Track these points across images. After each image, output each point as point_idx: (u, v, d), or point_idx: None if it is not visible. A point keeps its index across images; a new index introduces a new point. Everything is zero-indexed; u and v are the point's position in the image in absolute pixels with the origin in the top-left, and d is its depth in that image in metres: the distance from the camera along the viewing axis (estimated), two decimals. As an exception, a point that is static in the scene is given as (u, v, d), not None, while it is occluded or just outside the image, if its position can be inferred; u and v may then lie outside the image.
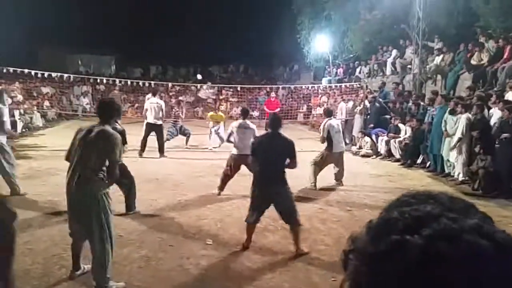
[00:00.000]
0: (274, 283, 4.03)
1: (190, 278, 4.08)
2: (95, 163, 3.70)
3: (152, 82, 17.27)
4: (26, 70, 13.38)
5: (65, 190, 3.85)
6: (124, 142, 5.73)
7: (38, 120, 15.34)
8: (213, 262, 4.45)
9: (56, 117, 17.87)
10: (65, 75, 15.74)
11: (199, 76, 27.96)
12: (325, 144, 7.98)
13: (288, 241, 5.13)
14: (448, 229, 0.52)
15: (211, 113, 12.99)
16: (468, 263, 0.49)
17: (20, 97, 14.65)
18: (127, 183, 5.85)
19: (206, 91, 20.00)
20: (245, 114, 7.41)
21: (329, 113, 8.28)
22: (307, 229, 5.55)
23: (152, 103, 10.48)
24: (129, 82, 16.48)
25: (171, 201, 6.64)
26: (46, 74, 14.15)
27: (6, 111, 6.82)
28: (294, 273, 4.29)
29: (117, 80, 16.39)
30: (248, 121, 7.22)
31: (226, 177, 7.05)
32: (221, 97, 18.65)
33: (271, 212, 6.18)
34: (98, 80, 17.57)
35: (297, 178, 8.36)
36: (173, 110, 12.21)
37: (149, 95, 11.56)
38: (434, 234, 0.51)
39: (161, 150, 10.48)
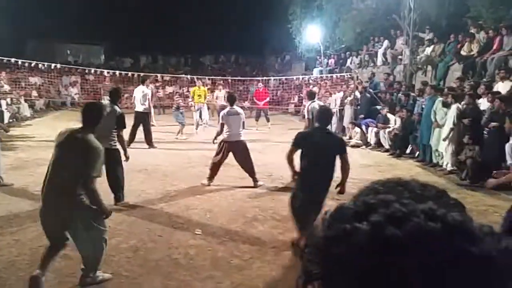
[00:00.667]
0: (262, 272, 4.04)
1: (179, 268, 4.07)
2: (73, 175, 3.36)
3: (142, 73, 17.09)
4: (13, 60, 13.16)
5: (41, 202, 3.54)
6: (123, 126, 5.81)
7: (25, 110, 15.12)
8: (202, 252, 4.44)
9: (45, 108, 17.65)
10: (53, 65, 15.48)
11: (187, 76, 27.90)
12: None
13: (277, 230, 5.15)
14: (396, 214, 0.50)
15: (194, 88, 13.36)
16: (415, 247, 0.48)
17: (7, 87, 14.41)
18: (119, 173, 5.82)
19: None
20: (232, 100, 7.28)
21: (311, 96, 8.44)
22: (297, 219, 5.56)
23: (139, 92, 10.52)
24: (117, 73, 16.28)
25: (160, 191, 6.60)
26: (33, 63, 13.92)
27: None
28: (283, 262, 4.30)
29: (106, 71, 16.18)
30: (236, 107, 7.16)
31: (216, 166, 7.01)
32: (201, 84, 18.51)
33: (260, 201, 6.22)
34: (87, 70, 17.35)
35: (285, 169, 8.39)
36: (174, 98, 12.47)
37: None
38: (381, 220, 0.50)
39: (148, 140, 10.37)
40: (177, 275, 3.93)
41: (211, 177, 7.03)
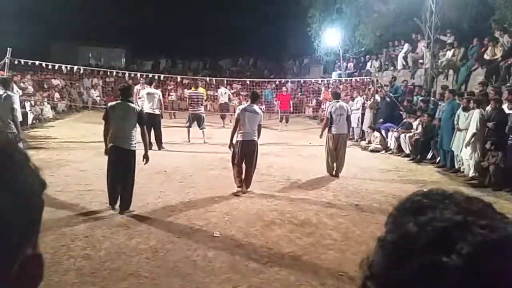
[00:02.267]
0: (280, 276, 4.03)
1: (197, 270, 4.09)
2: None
3: (162, 75, 17.30)
4: (37, 62, 13.48)
5: None
6: (145, 122, 5.73)
7: (48, 112, 15.48)
8: (220, 254, 4.46)
9: (66, 109, 18.02)
10: (75, 67, 15.81)
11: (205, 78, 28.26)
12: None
13: (295, 235, 5.12)
14: (488, 243, 0.44)
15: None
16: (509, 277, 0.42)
17: (31, 89, 14.78)
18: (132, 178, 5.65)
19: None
20: (254, 98, 6.86)
21: (336, 96, 8.43)
22: (314, 224, 5.54)
23: (149, 93, 10.43)
24: (138, 75, 16.50)
25: (179, 193, 6.65)
26: (56, 66, 14.23)
27: (16, 99, 6.88)
28: (301, 266, 4.28)
29: (127, 73, 16.43)
30: (255, 106, 6.79)
31: (238, 172, 6.69)
32: (232, 91, 18.62)
33: (278, 205, 6.21)
34: (108, 73, 17.65)
35: (303, 173, 8.37)
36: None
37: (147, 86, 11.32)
38: (473, 251, 0.43)
39: (158, 142, 10.35)
40: (195, 277, 3.95)
41: (240, 184, 6.69)
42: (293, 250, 4.67)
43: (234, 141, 6.73)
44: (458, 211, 0.49)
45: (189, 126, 11.86)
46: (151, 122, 9.81)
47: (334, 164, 8.15)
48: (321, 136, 8.60)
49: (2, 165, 0.52)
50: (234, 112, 11.83)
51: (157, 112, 10.45)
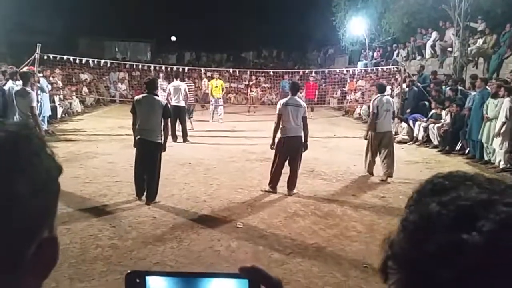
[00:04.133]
0: (303, 267, 4.02)
1: (221, 260, 4.14)
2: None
3: (186, 68, 17.43)
4: (65, 57, 13.80)
5: None
6: (170, 115, 5.85)
7: (77, 106, 15.87)
8: (243, 245, 4.49)
9: (94, 103, 18.43)
10: (102, 61, 16.12)
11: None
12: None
13: (318, 226, 5.10)
14: (509, 219, 0.43)
15: (211, 80, 13.81)
16: None
17: (60, 83, 15.17)
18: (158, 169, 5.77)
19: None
20: (295, 89, 6.39)
21: (381, 89, 7.50)
22: (339, 216, 5.50)
23: (175, 86, 10.59)
24: (163, 68, 16.70)
25: (203, 184, 6.72)
26: (84, 60, 14.55)
27: (34, 95, 6.95)
28: (324, 258, 4.26)
29: (152, 66, 16.64)
30: (297, 98, 6.29)
31: (277, 171, 6.20)
32: (251, 83, 18.59)
33: (301, 197, 6.19)
34: (134, 66, 17.90)
35: (327, 165, 8.29)
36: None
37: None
38: (496, 228, 0.42)
39: (184, 134, 10.48)
40: (219, 266, 3.99)
41: (274, 186, 6.27)
42: (316, 241, 4.65)
43: (276, 139, 6.23)
44: (481, 190, 0.48)
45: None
46: (176, 115, 10.00)
47: (384, 163, 7.20)
48: (366, 137, 7.52)
49: (18, 149, 0.53)
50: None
51: (182, 104, 10.57)
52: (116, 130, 11.59)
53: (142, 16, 26.57)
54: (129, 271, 0.56)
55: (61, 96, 14.82)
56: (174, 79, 11.19)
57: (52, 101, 12.99)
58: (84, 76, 18.45)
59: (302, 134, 6.20)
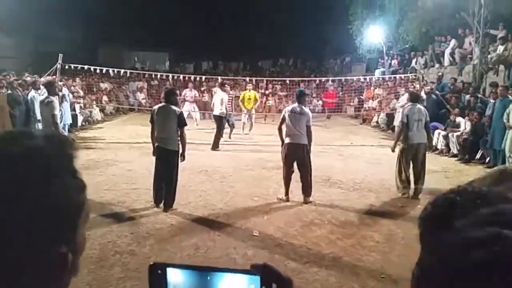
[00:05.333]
0: (319, 277, 4.00)
1: (237, 267, 4.12)
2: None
3: (203, 77, 17.61)
4: (86, 66, 14.14)
5: None
6: (185, 123, 5.90)
7: (97, 114, 16.19)
8: (259, 253, 4.49)
9: (114, 112, 18.76)
10: (122, 71, 16.46)
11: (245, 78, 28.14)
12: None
13: (335, 235, 5.06)
14: None
15: (244, 92, 13.28)
16: None
17: (80, 92, 15.52)
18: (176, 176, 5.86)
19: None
20: (300, 97, 6.46)
21: (414, 98, 7.11)
22: (356, 225, 5.45)
23: (217, 96, 11.21)
24: (181, 77, 16.93)
25: (219, 192, 6.76)
26: (104, 70, 14.87)
27: (57, 104, 7.03)
28: (341, 268, 4.22)
29: (170, 76, 16.89)
30: (302, 106, 6.38)
31: (286, 178, 6.32)
32: (267, 92, 18.66)
33: (318, 205, 6.16)
34: (153, 76, 18.20)
35: (343, 173, 8.24)
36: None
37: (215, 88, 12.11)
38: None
39: (214, 143, 10.66)
40: (235, 275, 3.99)
41: (286, 192, 6.35)
42: (333, 251, 4.62)
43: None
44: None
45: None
46: (217, 123, 10.80)
47: (411, 181, 6.74)
48: (394, 149, 7.09)
49: (35, 167, 0.55)
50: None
51: (222, 114, 10.93)
52: (134, 138, 11.77)
53: (161, 26, 27.04)
54: (152, 263, 0.61)
55: (82, 105, 15.15)
56: (219, 89, 11.69)
57: (72, 109, 13.28)
58: (104, 85, 18.83)
59: (306, 142, 6.25)
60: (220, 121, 10.88)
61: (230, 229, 5.20)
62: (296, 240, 4.91)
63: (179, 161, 5.84)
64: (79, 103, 14.76)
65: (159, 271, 0.61)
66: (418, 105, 7.05)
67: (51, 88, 7.25)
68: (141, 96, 20.46)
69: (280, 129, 6.56)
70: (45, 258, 0.54)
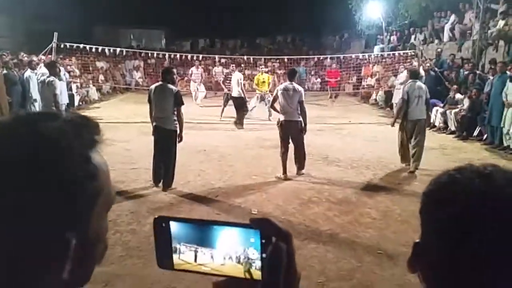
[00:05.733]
0: (317, 253, 4.07)
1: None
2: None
3: (200, 55, 17.44)
4: (81, 45, 13.95)
5: None
6: (182, 103, 5.80)
7: (93, 94, 16.08)
8: (258, 231, 4.54)
9: (111, 91, 18.63)
10: (118, 50, 16.25)
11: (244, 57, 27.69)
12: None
13: (332, 212, 5.13)
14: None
15: (257, 75, 12.88)
16: None
17: (77, 72, 15.37)
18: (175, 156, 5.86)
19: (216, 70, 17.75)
20: (291, 75, 6.73)
21: (414, 75, 7.28)
22: (353, 202, 5.52)
23: (234, 77, 11.25)
24: (178, 56, 16.74)
25: (218, 171, 6.80)
26: (100, 48, 14.68)
27: (58, 84, 7.00)
28: (339, 244, 4.30)
29: (167, 54, 16.70)
30: (294, 83, 6.60)
31: (283, 153, 6.51)
32: (265, 69, 18.47)
33: (315, 183, 6.21)
34: (149, 54, 18.00)
35: (341, 151, 8.27)
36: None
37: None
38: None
39: (239, 121, 10.83)
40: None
41: (284, 170, 6.50)
42: (330, 228, 4.69)
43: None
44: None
45: (225, 105, 12.12)
46: (236, 104, 11.05)
47: (413, 153, 6.89)
48: (393, 124, 7.37)
49: (43, 154, 0.54)
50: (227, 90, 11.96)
51: (240, 95, 11.00)
52: (132, 118, 11.74)
53: (156, 3, 26.55)
54: (156, 216, 0.64)
55: (78, 84, 15.03)
56: (236, 70, 11.72)
57: (69, 89, 13.18)
58: (100, 64, 18.61)
59: (300, 118, 6.46)
60: (238, 101, 11.03)
61: (229, 207, 5.25)
62: (294, 217, 4.97)
63: (177, 141, 5.85)
64: (75, 82, 14.64)
65: (163, 224, 0.63)
66: (419, 82, 7.16)
67: (52, 68, 7.19)
68: (138, 75, 20.27)
69: (273, 107, 7.05)
70: (50, 242, 0.54)
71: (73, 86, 14.09)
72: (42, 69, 10.68)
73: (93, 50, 14.72)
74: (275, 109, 6.96)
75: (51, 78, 6.92)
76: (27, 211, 0.52)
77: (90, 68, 17.41)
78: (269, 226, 0.59)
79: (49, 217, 0.53)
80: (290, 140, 6.56)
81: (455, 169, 0.66)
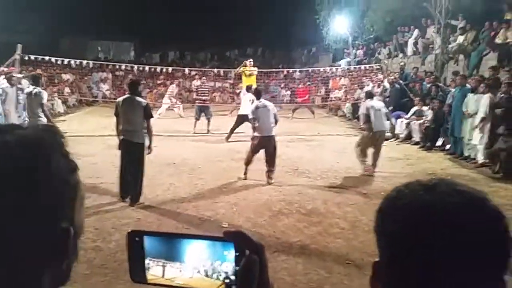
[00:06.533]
0: (288, 265, 4.07)
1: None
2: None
3: (170, 68, 17.33)
4: (47, 57, 13.60)
5: None
6: (151, 115, 5.76)
7: (59, 107, 15.64)
8: (228, 245, 4.50)
9: (77, 103, 18.18)
10: (85, 62, 15.92)
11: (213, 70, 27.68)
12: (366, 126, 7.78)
13: (302, 224, 5.16)
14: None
15: (243, 68, 12.48)
16: None
17: (42, 84, 14.91)
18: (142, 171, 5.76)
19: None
20: (258, 94, 7.36)
21: (369, 95, 8.14)
22: (322, 213, 5.56)
23: (246, 97, 10.73)
24: (147, 68, 16.56)
25: (187, 184, 6.72)
26: (66, 61, 14.35)
27: (45, 94, 7.48)
28: (308, 255, 4.31)
29: (135, 66, 16.49)
30: (263, 100, 7.14)
31: (250, 160, 7.05)
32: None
33: (286, 195, 6.24)
34: (117, 66, 17.73)
35: (311, 162, 8.37)
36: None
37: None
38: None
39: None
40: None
41: (245, 172, 7.08)
42: (300, 239, 4.70)
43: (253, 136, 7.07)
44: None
45: (197, 118, 12.01)
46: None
47: (373, 158, 7.69)
48: (370, 134, 7.73)
49: (28, 149, 0.58)
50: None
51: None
52: (99, 131, 11.48)
53: (125, 15, 26.29)
54: (130, 230, 0.64)
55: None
56: (248, 92, 11.20)
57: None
58: (66, 76, 18.18)
59: (274, 133, 6.94)
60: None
61: (198, 221, 5.19)
62: (264, 229, 4.97)
63: (146, 153, 5.75)
64: (40, 95, 14.18)
65: (137, 239, 0.63)
66: (374, 100, 8.07)
67: (37, 80, 7.72)
68: (105, 87, 19.89)
69: (254, 130, 7.06)
70: (49, 234, 0.57)
71: (37, 99, 13.65)
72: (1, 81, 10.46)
73: (59, 62, 14.37)
74: (253, 128, 7.06)
75: (38, 89, 7.36)
76: (26, 210, 0.56)
77: (56, 81, 16.98)
78: (243, 238, 0.60)
79: (46, 212, 0.58)
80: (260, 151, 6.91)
81: (403, 185, 0.70)
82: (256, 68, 12.65)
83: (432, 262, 0.60)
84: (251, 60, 12.99)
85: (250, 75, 12.26)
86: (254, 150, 6.95)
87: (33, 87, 7.48)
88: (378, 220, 0.70)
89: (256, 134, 6.94)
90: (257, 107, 6.97)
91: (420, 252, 0.61)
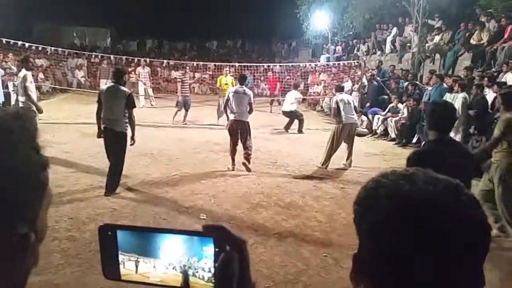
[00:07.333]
0: (265, 257, 4.08)
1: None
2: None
3: (148, 59, 17.02)
4: (19, 42, 13.13)
5: None
6: (134, 105, 5.67)
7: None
8: (206, 236, 4.48)
9: (51, 90, 17.65)
10: (60, 49, 15.43)
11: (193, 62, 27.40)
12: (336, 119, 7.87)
13: (280, 217, 5.18)
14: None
15: (221, 76, 12.67)
16: None
17: (14, 69, 14.40)
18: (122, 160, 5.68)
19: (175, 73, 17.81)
20: (242, 80, 7.34)
21: (340, 89, 8.29)
22: (300, 206, 5.60)
23: (291, 95, 11.81)
24: (124, 58, 16.19)
25: (165, 175, 6.64)
26: (40, 47, 13.89)
27: (29, 76, 7.31)
28: (286, 247, 4.34)
29: (112, 57, 16.08)
30: (244, 87, 7.17)
31: (232, 149, 7.11)
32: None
33: (264, 188, 6.25)
34: (93, 55, 17.26)
35: (290, 156, 8.41)
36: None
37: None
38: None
39: (300, 128, 11.38)
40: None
41: (233, 162, 7.13)
42: (278, 232, 4.72)
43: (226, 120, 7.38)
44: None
45: (180, 109, 11.88)
46: (290, 117, 11.78)
47: (348, 152, 7.81)
48: (341, 127, 7.81)
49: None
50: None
51: (292, 110, 11.67)
52: (73, 119, 11.20)
53: (102, 1, 25.61)
54: (102, 224, 0.60)
55: (15, 82, 14.07)
56: (293, 89, 12.32)
57: (5, 87, 12.34)
58: (40, 61, 17.58)
59: (247, 119, 7.08)
60: (289, 114, 11.64)
61: (176, 213, 5.14)
62: (243, 222, 4.96)
63: (129, 144, 5.66)
64: (12, 80, 13.69)
65: (109, 233, 0.60)
66: (343, 94, 8.19)
67: (26, 64, 7.58)
68: (80, 74, 19.38)
69: (225, 108, 7.30)
70: (5, 239, 0.51)
71: (10, 84, 13.19)
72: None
73: (33, 48, 13.90)
74: (226, 111, 7.31)
75: (24, 71, 7.24)
76: None
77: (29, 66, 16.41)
78: (223, 233, 0.57)
79: (6, 210, 0.52)
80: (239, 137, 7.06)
81: (380, 175, 0.69)
82: (232, 78, 12.61)
83: (418, 249, 0.60)
84: (227, 69, 13.19)
85: (226, 84, 12.27)
86: (230, 136, 7.08)
87: (23, 71, 7.44)
88: (358, 211, 0.69)
89: (230, 118, 7.13)
90: (235, 91, 7.08)
91: (406, 240, 0.61)
